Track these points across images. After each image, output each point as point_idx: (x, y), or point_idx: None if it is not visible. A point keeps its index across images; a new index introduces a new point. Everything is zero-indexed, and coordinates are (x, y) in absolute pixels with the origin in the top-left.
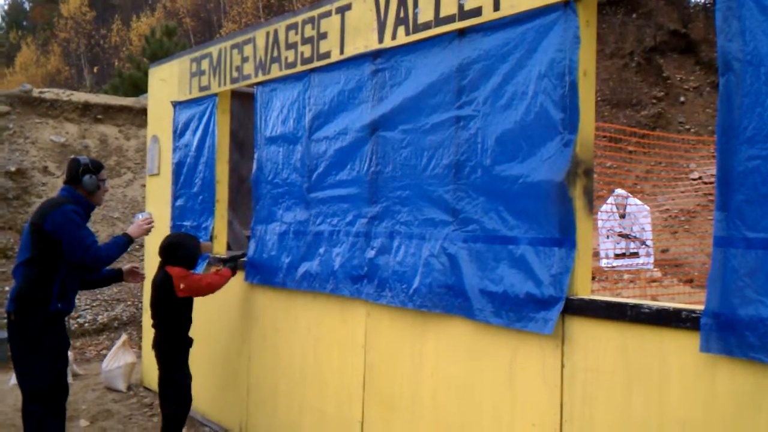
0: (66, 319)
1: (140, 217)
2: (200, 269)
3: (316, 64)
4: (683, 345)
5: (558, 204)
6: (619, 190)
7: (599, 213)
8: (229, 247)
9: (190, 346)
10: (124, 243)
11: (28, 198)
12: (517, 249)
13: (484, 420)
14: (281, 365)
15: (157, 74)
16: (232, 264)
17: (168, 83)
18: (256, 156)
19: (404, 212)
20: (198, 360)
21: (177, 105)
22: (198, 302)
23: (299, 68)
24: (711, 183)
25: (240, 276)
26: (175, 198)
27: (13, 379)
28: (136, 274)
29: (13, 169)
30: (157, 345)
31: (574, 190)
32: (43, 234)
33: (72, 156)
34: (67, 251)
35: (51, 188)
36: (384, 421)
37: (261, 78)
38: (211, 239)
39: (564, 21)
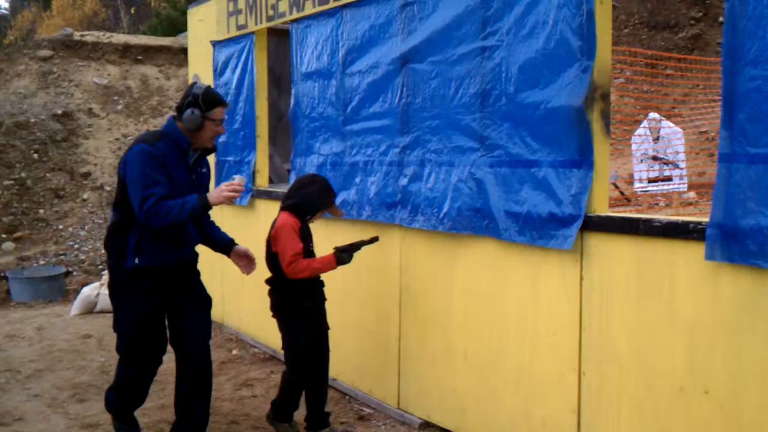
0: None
1: (234, 179)
2: (244, 201)
3: (349, 0)
4: (690, 254)
5: (577, 127)
6: (652, 114)
7: (633, 137)
8: (271, 181)
9: (303, 305)
10: (193, 208)
11: (75, 140)
12: (539, 171)
13: (510, 328)
14: (325, 287)
15: (195, 15)
16: (345, 253)
17: (206, 23)
18: (293, 92)
19: (434, 141)
20: (243, 285)
21: (216, 44)
22: (236, 229)
23: (332, 4)
24: None
25: None
26: None
27: (73, 309)
28: (247, 261)
29: (59, 111)
30: (272, 305)
31: (591, 113)
32: (121, 177)
33: (194, 79)
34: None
35: (96, 129)
36: (419, 335)
37: (296, 15)
38: (253, 173)
39: None
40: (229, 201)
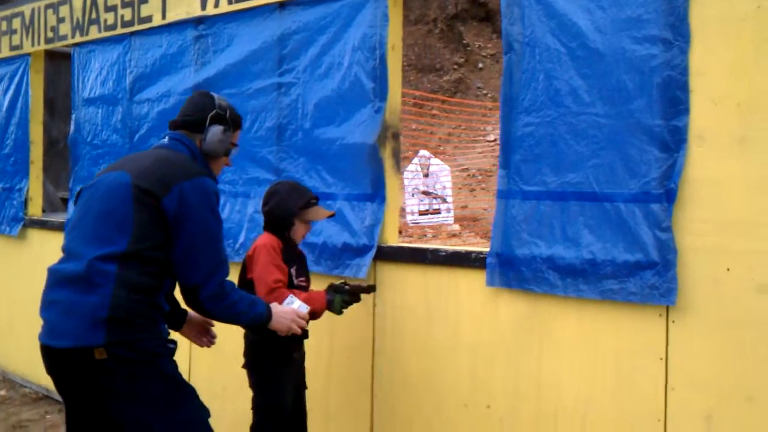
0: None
1: (297, 306)
2: None
3: (137, 27)
4: (473, 281)
5: (370, 164)
6: (423, 152)
7: (405, 173)
8: (43, 210)
9: (290, 356)
10: (260, 317)
11: None
12: (334, 204)
13: (307, 356)
14: None
15: None
16: (339, 294)
17: None
18: (73, 117)
19: (228, 172)
20: (11, 319)
21: None
22: (4, 263)
23: (119, 31)
24: None
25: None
26: None
27: None
28: (205, 332)
29: None
30: (245, 351)
31: (384, 151)
32: (159, 214)
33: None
34: (185, 257)
35: None
36: (210, 367)
37: (78, 39)
38: (25, 201)
39: (374, 0)
40: (287, 332)
